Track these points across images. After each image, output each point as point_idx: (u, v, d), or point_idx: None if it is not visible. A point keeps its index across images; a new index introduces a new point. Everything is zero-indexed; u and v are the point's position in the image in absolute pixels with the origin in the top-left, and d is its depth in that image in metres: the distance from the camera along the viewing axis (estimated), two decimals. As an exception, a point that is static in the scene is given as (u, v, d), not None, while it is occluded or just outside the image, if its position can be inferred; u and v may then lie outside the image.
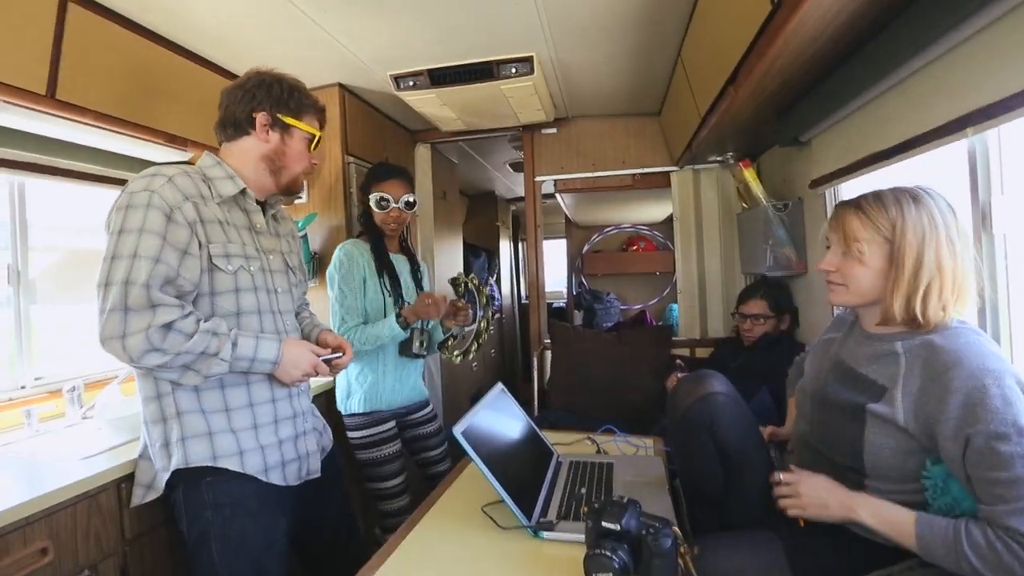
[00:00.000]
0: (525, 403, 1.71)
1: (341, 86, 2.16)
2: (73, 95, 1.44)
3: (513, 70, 1.98)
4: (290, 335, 1.24)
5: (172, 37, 1.68)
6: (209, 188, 1.11)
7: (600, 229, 4.54)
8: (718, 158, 2.36)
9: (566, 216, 4.40)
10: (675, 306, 3.96)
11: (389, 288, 1.82)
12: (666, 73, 2.15)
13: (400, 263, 1.93)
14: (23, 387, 1.58)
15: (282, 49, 1.82)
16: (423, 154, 2.88)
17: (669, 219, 4.33)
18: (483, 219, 4.76)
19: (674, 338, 2.65)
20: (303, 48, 1.84)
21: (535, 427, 1.43)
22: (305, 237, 2.06)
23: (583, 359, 2.52)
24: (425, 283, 2.06)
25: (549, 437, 1.48)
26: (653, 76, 2.20)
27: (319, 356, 1.19)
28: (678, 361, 2.20)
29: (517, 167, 3.92)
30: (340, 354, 1.26)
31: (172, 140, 1.66)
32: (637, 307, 4.39)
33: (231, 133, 1.18)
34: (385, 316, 1.79)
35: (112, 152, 1.72)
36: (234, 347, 1.04)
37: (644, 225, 4.43)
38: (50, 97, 1.41)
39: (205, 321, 1.02)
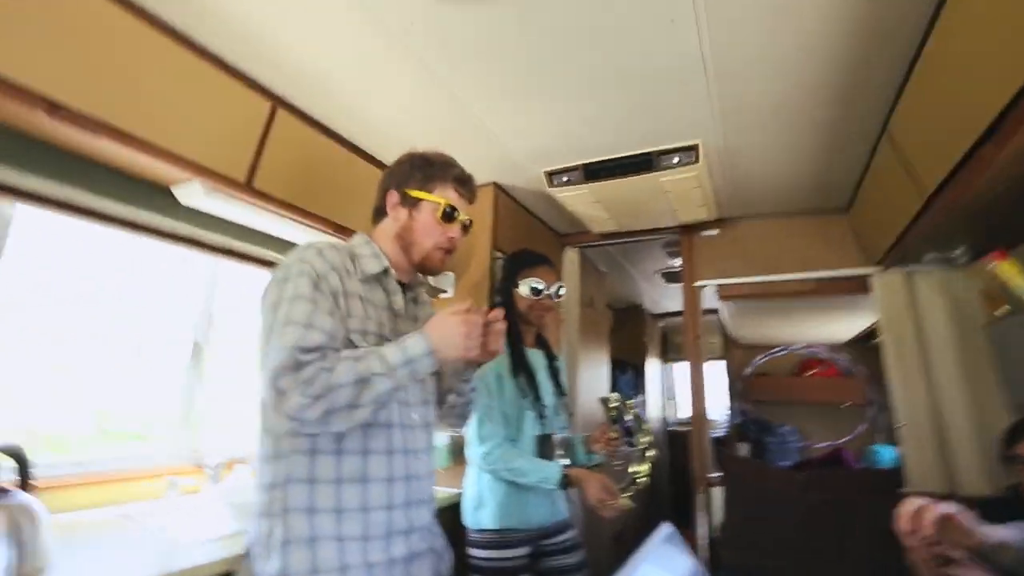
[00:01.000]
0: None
1: (496, 185, 2.21)
2: (266, 185, 1.62)
3: (675, 160, 1.84)
4: (416, 431, 1.09)
5: (347, 135, 1.87)
6: (354, 264, 1.08)
7: (766, 350, 3.94)
8: (942, 255, 1.87)
9: (724, 334, 3.91)
10: (882, 448, 3.12)
11: (526, 387, 1.62)
12: (861, 157, 1.83)
13: (536, 358, 1.73)
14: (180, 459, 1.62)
15: (441, 146, 1.92)
16: (572, 258, 2.80)
17: (856, 340, 3.67)
18: (629, 334, 4.46)
19: (900, 490, 1.96)
20: (463, 145, 1.92)
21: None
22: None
23: (766, 504, 1.96)
24: (565, 381, 1.83)
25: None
26: (844, 163, 1.89)
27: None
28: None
29: (670, 277, 3.66)
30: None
31: (339, 229, 1.77)
32: (822, 444, 3.56)
33: (376, 217, 1.20)
34: (520, 423, 1.57)
35: (283, 239, 1.86)
36: (382, 358, 0.93)
37: (822, 345, 3.75)
38: (247, 185, 1.59)
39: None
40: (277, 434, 0.96)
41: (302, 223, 1.69)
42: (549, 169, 2.05)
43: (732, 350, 4.02)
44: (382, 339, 1.04)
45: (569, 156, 1.98)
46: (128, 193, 1.52)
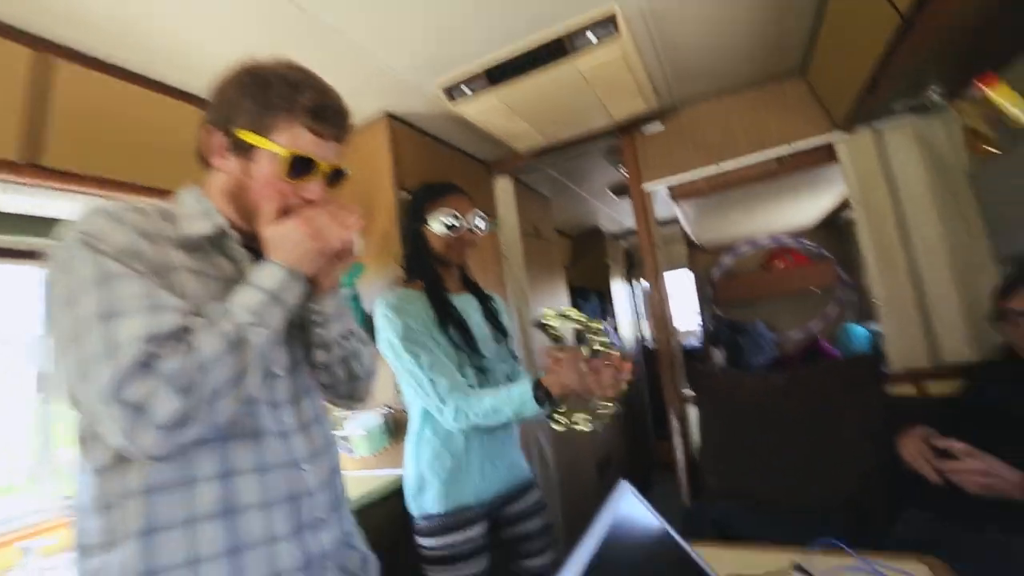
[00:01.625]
0: (665, 481, 1.07)
1: (389, 116, 1.81)
2: (59, 160, 1.22)
3: (591, 37, 1.48)
4: (294, 436, 0.82)
5: (160, 78, 1.44)
6: (173, 227, 0.76)
7: (731, 249, 3.74)
8: (914, 101, 1.60)
9: (687, 240, 3.69)
10: (854, 327, 3.01)
11: (460, 341, 1.34)
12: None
13: (465, 303, 1.44)
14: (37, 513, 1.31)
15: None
16: (504, 187, 2.46)
17: (823, 224, 3.50)
18: (590, 259, 4.21)
19: (882, 371, 1.80)
20: (327, 73, 1.52)
21: (699, 559, 0.79)
22: (355, 297, 1.67)
23: (745, 419, 1.78)
24: (506, 322, 1.55)
25: (721, 559, 0.82)
26: (794, 9, 1.56)
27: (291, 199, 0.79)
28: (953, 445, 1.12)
29: (620, 191, 3.36)
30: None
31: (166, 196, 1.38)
32: (798, 335, 3.45)
33: (202, 167, 0.84)
34: (460, 374, 1.30)
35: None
36: (240, 307, 0.71)
37: (787, 235, 3.57)
38: (30, 165, 1.19)
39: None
40: (117, 474, 0.69)
41: (117, 198, 1.30)
42: (444, 82, 1.67)
43: (697, 256, 3.82)
44: None
45: (464, 61, 1.60)
46: None
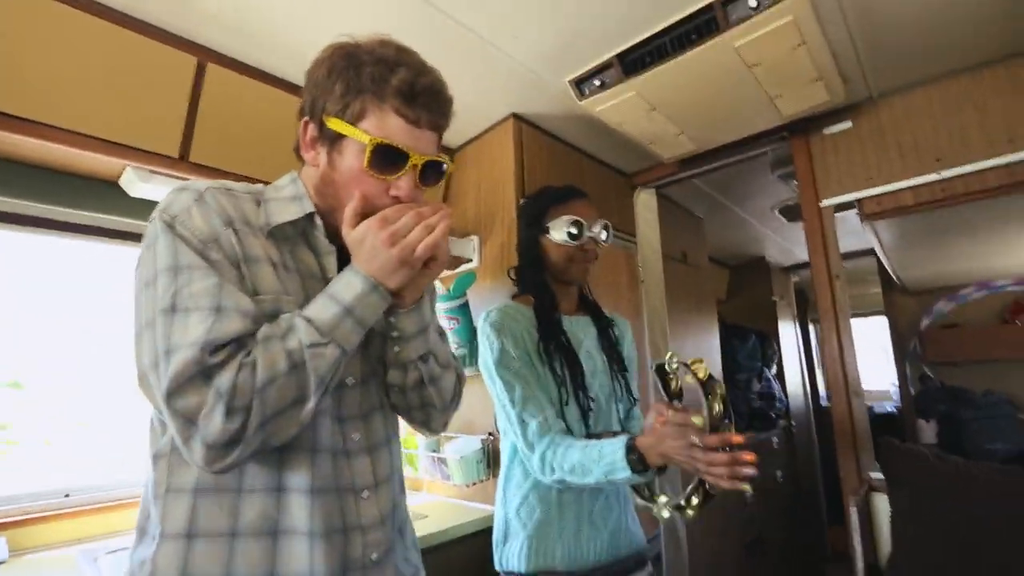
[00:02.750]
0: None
1: (516, 117, 1.69)
2: (204, 156, 1.32)
3: (750, 2, 1.18)
4: (358, 458, 0.73)
5: (296, 79, 1.48)
6: (261, 212, 0.71)
7: (950, 292, 2.89)
8: None
9: (884, 278, 2.94)
10: None
11: (562, 369, 1.12)
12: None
13: (579, 328, 1.22)
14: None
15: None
16: (645, 201, 2.18)
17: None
18: (751, 294, 3.63)
19: None
20: (451, 70, 1.46)
21: None
22: (464, 307, 1.54)
23: (974, 532, 1.22)
24: (628, 353, 1.29)
25: None
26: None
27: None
28: None
29: (792, 214, 2.83)
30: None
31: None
32: (1064, 420, 2.49)
33: (298, 158, 0.78)
34: (560, 413, 1.08)
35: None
36: (308, 321, 0.63)
37: (1045, 277, 2.64)
38: (182, 160, 1.30)
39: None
40: (168, 464, 0.65)
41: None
42: (574, 75, 1.49)
43: (897, 299, 3.03)
44: None
45: (597, 49, 1.41)
46: (70, 193, 1.33)
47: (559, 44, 1.39)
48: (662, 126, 1.66)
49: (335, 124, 0.68)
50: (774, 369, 3.33)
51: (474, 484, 1.50)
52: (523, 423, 1.05)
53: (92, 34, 1.15)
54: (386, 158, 0.67)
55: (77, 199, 1.35)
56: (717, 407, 0.88)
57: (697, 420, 0.85)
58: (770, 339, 3.38)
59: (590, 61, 1.44)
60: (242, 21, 1.26)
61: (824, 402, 4.07)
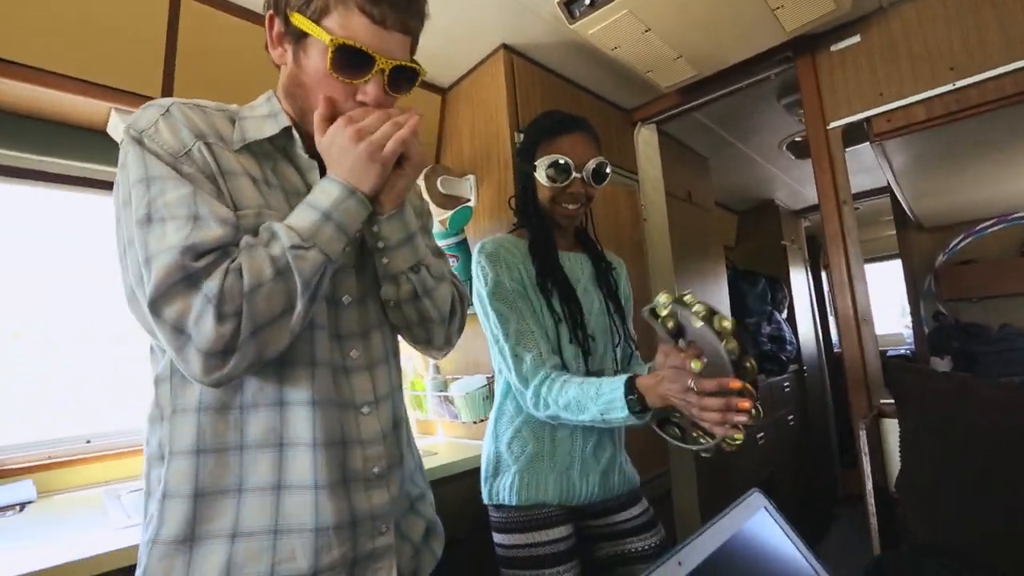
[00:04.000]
0: (849, 518, 0.69)
1: (506, 48, 1.63)
2: (186, 95, 1.29)
3: None
4: (357, 375, 0.72)
5: None
6: (235, 129, 0.69)
7: (968, 227, 2.80)
8: None
9: (898, 218, 2.86)
10: None
11: (561, 308, 1.09)
12: None
13: (577, 264, 1.19)
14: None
15: None
16: (645, 138, 2.11)
17: None
18: (761, 239, 3.57)
19: None
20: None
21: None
22: (463, 244, 1.52)
23: (978, 445, 1.20)
24: (624, 291, 1.26)
25: None
26: None
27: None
28: None
29: (801, 150, 2.74)
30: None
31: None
32: (1082, 348, 2.44)
33: (272, 61, 0.74)
34: (558, 351, 1.06)
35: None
36: (289, 228, 0.61)
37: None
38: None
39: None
40: (171, 387, 0.66)
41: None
42: (564, -7, 1.42)
43: (913, 237, 2.95)
44: None
45: (588, -38, 1.34)
46: (62, 143, 1.32)
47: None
48: (659, 49, 1.59)
49: (299, 21, 0.64)
50: (784, 313, 3.29)
51: (481, 420, 1.51)
52: (517, 357, 1.03)
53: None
54: (351, 60, 0.64)
55: (69, 149, 1.34)
56: (728, 345, 0.83)
57: (695, 365, 0.80)
58: (780, 283, 3.33)
59: (580, -23, 1.37)
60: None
61: (837, 348, 4.03)
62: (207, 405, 0.63)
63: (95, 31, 1.18)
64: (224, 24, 1.34)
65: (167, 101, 0.64)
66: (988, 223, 2.77)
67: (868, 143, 1.70)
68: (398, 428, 0.77)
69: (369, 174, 0.64)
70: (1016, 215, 2.70)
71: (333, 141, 0.64)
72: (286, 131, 0.69)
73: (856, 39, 1.64)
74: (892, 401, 1.46)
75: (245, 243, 0.59)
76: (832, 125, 1.68)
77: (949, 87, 1.48)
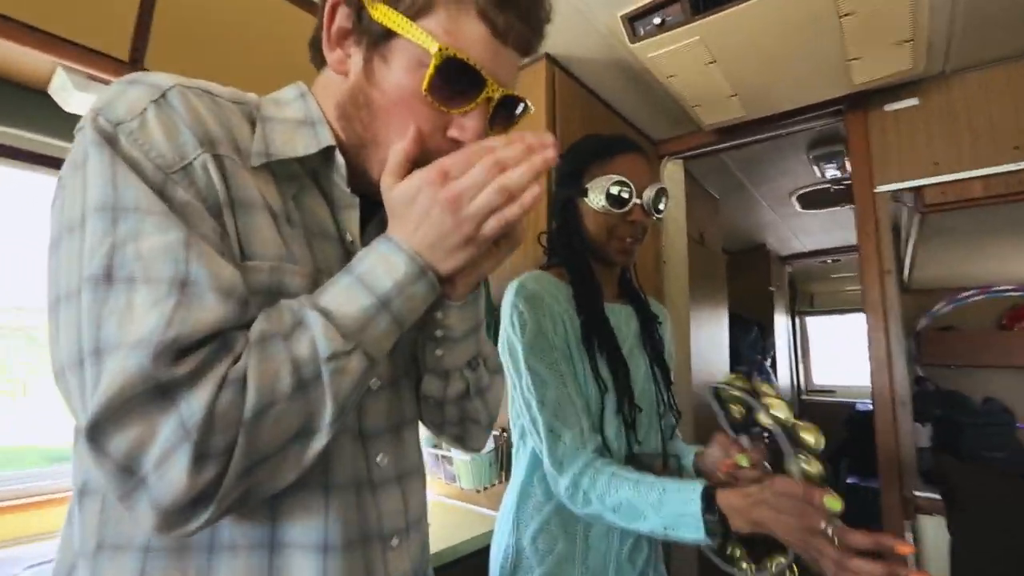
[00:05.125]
0: None
1: (549, 58, 1.43)
2: (161, 62, 1.02)
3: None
4: (385, 491, 0.52)
5: None
6: (255, 134, 0.47)
7: (950, 294, 2.83)
8: None
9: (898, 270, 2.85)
10: None
11: (609, 372, 0.90)
12: None
13: (623, 318, 1.01)
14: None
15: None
16: (673, 174, 1.97)
17: None
18: (749, 282, 3.51)
19: None
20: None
21: None
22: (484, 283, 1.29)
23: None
24: (669, 349, 1.10)
25: None
26: None
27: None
28: None
29: (810, 201, 2.68)
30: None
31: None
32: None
33: (314, 57, 0.55)
34: (599, 425, 0.88)
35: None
36: (327, 314, 0.41)
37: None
38: (133, 64, 1.01)
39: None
40: (102, 509, 0.43)
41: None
42: (630, 8, 1.24)
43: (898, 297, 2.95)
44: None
45: (664, -23, 1.17)
46: None
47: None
48: (717, 84, 1.44)
49: (384, 15, 0.45)
50: (769, 361, 3.25)
51: (485, 489, 1.29)
52: (553, 434, 0.83)
53: None
54: (456, 81, 0.46)
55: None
56: (813, 469, 0.68)
57: (742, 459, 0.64)
58: (768, 331, 3.28)
59: (653, -7, 1.20)
60: None
61: (805, 395, 4.05)
62: (158, 546, 0.41)
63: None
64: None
65: (163, 80, 0.43)
66: (971, 292, 2.79)
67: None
68: (424, 553, 0.58)
69: (456, 255, 0.45)
70: (999, 288, 2.73)
71: (416, 197, 0.44)
72: (327, 150, 0.49)
73: (914, 101, 1.55)
74: (931, 496, 1.35)
75: (258, 332, 0.39)
76: (880, 189, 1.58)
77: (1012, 166, 1.40)
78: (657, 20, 1.23)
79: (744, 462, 0.68)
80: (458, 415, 0.61)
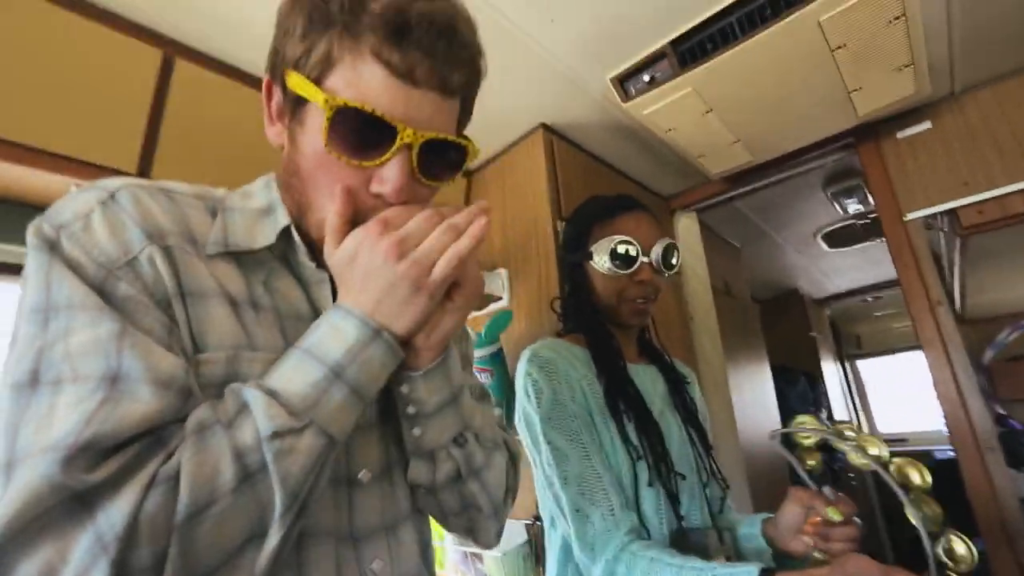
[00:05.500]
0: None
1: (545, 128, 1.45)
2: (168, 172, 1.05)
3: (851, -41, 0.96)
4: None
5: None
6: (212, 221, 0.48)
7: (1012, 320, 2.62)
8: None
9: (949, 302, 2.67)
10: None
11: (638, 441, 0.82)
12: None
13: (647, 379, 0.94)
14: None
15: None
16: (687, 226, 1.92)
17: None
18: (787, 330, 3.34)
19: None
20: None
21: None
22: (498, 355, 1.23)
23: None
24: (702, 411, 1.00)
25: None
26: None
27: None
28: None
29: (836, 239, 2.58)
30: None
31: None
32: None
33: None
34: (634, 499, 0.78)
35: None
36: (271, 394, 0.38)
37: None
38: (141, 177, 1.04)
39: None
40: None
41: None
42: (618, 71, 1.26)
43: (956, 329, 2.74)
44: None
45: (647, 37, 1.19)
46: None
47: (600, 33, 1.16)
48: (717, 133, 1.42)
49: (296, 83, 0.45)
50: (824, 414, 2.99)
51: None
52: (579, 513, 0.74)
53: (30, 20, 0.91)
54: (359, 132, 0.43)
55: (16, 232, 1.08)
56: (931, 512, 0.58)
57: (834, 514, 0.56)
58: (817, 379, 3.06)
59: (638, 52, 1.21)
60: (216, 6, 1.02)
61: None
62: None
63: (70, 93, 0.96)
64: (220, 87, 1.14)
65: (114, 183, 0.44)
66: (1037, 317, 2.58)
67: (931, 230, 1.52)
68: None
69: (409, 309, 0.43)
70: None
71: (356, 255, 0.43)
72: (285, 231, 0.49)
73: (927, 125, 1.50)
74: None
75: (195, 422, 0.36)
76: (910, 216, 1.50)
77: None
78: (646, 78, 1.24)
79: (836, 516, 0.58)
80: (458, 503, 0.55)
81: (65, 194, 0.43)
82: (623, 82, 1.27)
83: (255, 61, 1.17)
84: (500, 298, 1.42)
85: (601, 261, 0.89)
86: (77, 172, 1.01)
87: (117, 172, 1.02)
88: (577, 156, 1.55)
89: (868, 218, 2.29)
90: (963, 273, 1.95)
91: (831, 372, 3.39)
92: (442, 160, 0.48)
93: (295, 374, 0.39)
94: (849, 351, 3.95)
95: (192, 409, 0.37)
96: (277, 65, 0.47)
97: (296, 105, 0.46)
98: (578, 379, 0.84)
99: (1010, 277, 2.08)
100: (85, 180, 1.00)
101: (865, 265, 2.96)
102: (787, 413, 2.71)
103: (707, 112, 1.33)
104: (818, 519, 0.64)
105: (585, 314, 0.93)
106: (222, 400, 0.38)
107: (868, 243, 2.56)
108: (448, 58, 0.45)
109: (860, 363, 3.94)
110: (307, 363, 0.40)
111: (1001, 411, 2.61)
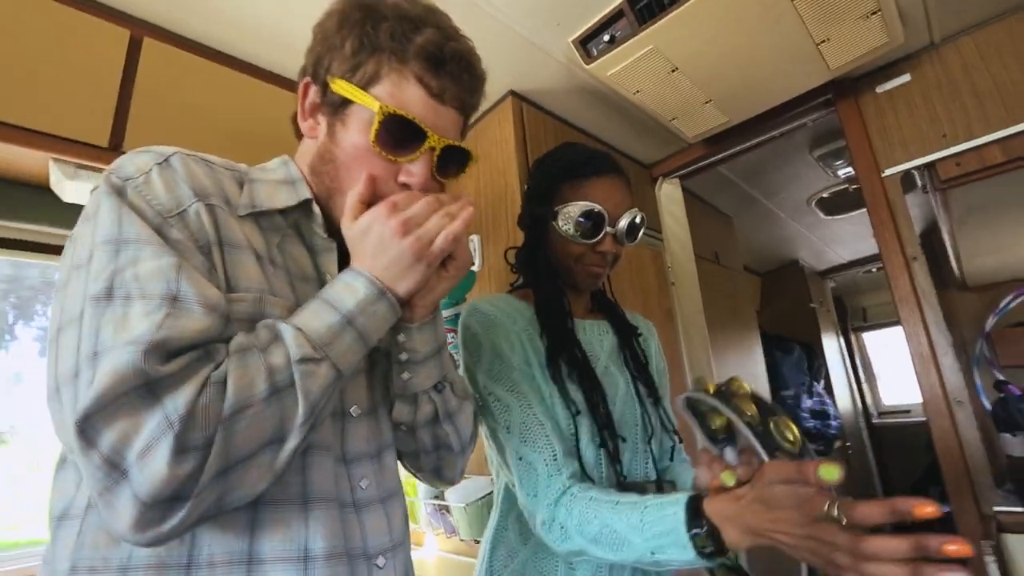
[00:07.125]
0: None
1: (514, 95, 1.46)
2: (139, 143, 1.09)
3: (799, -100, 0.94)
4: (370, 511, 0.57)
5: (250, 58, 1.28)
6: (240, 190, 0.57)
7: (1017, 286, 2.55)
8: None
9: (936, 274, 2.61)
10: None
11: (582, 393, 0.82)
12: None
13: (595, 335, 0.93)
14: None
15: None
16: (670, 193, 1.91)
17: None
18: (788, 302, 3.31)
19: None
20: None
21: None
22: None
23: None
24: (657, 365, 1.00)
25: None
26: None
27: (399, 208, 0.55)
28: None
29: (830, 206, 2.54)
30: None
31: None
32: None
33: (296, 132, 0.67)
34: (575, 449, 0.80)
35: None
36: (298, 331, 0.47)
37: None
38: (114, 149, 1.08)
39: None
40: (80, 531, 0.46)
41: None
42: (578, 33, 1.26)
43: (955, 298, 2.68)
44: None
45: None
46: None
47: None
48: (686, 92, 1.41)
49: (341, 87, 0.56)
50: (822, 383, 2.97)
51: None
52: (523, 461, 0.75)
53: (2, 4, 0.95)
54: (399, 134, 0.56)
55: (8, 208, 1.14)
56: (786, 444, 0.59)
57: (727, 478, 0.58)
58: (815, 350, 3.04)
59: (597, 11, 1.21)
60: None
61: (876, 419, 3.66)
62: (138, 563, 0.44)
63: (43, 70, 1.00)
64: (189, 66, 1.17)
65: (166, 149, 0.53)
66: (1043, 280, 2.52)
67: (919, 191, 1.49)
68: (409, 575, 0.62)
69: (410, 275, 0.54)
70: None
71: (370, 229, 0.54)
72: (304, 203, 0.59)
73: (906, 78, 1.47)
74: (1015, 509, 1.14)
75: (237, 344, 0.45)
76: (888, 172, 1.47)
77: (1030, 124, 1.28)
78: (607, 37, 1.24)
79: (730, 481, 0.59)
80: (431, 442, 0.65)
81: (125, 154, 0.51)
82: (584, 43, 1.27)
83: (221, 37, 1.20)
84: (472, 263, 1.44)
85: (565, 226, 0.86)
86: (51, 147, 1.05)
87: (90, 146, 1.06)
88: (549, 122, 1.55)
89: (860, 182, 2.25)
90: (954, 235, 1.91)
91: (832, 344, 3.35)
92: (453, 163, 0.60)
93: (315, 318, 0.49)
94: (855, 324, 3.90)
95: (230, 335, 0.45)
96: (320, 71, 0.58)
97: (338, 107, 0.57)
98: (517, 332, 0.83)
99: (1006, 239, 2.02)
100: (61, 155, 1.05)
101: (866, 233, 2.90)
102: (780, 380, 2.70)
103: (673, 71, 1.32)
104: (717, 482, 0.64)
105: (537, 269, 0.92)
106: (256, 330, 0.47)
107: (864, 209, 2.51)
108: (469, 86, 0.60)
109: (866, 335, 3.89)
110: (326, 310, 0.49)
111: (1001, 377, 2.56)
